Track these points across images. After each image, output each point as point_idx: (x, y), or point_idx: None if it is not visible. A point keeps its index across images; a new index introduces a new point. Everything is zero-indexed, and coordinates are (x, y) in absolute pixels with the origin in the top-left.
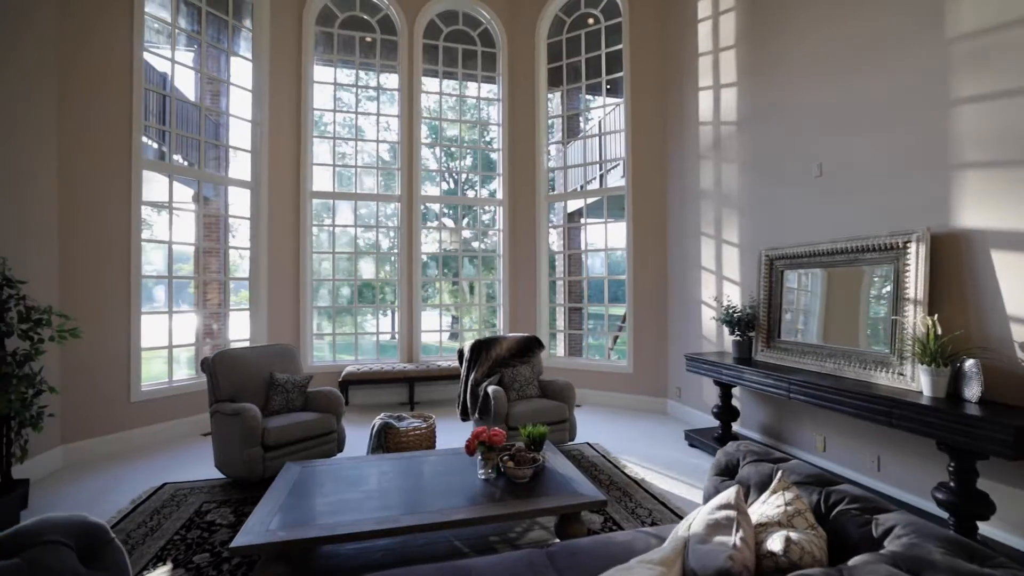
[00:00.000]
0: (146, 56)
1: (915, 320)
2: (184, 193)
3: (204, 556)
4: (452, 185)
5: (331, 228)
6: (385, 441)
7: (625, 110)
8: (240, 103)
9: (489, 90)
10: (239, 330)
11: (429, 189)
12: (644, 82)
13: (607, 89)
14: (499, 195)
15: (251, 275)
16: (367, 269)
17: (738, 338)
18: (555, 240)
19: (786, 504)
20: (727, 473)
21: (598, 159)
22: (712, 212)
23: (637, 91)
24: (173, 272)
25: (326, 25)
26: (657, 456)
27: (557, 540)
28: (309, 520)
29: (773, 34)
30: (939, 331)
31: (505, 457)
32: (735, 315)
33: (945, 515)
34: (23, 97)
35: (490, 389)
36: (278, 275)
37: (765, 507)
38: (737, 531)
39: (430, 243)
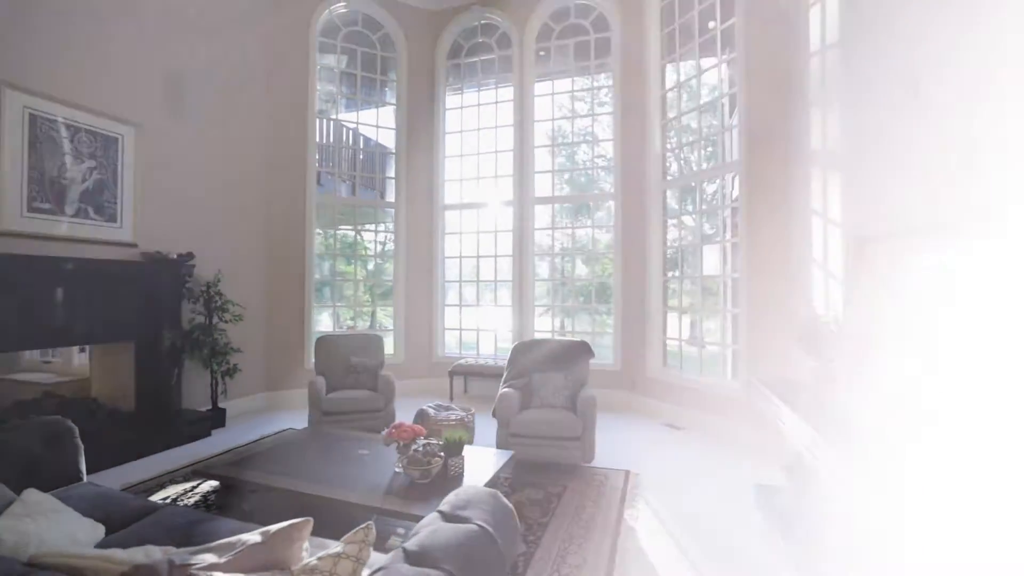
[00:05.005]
0: (329, 115)
1: None
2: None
3: None
4: (575, 185)
5: (459, 235)
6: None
7: (739, 61)
8: (387, 139)
9: (604, 78)
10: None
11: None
12: (757, 21)
13: (721, 43)
14: (610, 188)
15: (394, 278)
16: (503, 270)
17: (815, 365)
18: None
19: (319, 558)
20: None
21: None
22: (819, 180)
23: (752, 32)
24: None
25: (455, 58)
26: (692, 506)
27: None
28: (250, 466)
29: None
30: None
31: (406, 456)
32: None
33: None
34: (244, 155)
35: (500, 392)
36: (416, 277)
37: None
38: (223, 555)
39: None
